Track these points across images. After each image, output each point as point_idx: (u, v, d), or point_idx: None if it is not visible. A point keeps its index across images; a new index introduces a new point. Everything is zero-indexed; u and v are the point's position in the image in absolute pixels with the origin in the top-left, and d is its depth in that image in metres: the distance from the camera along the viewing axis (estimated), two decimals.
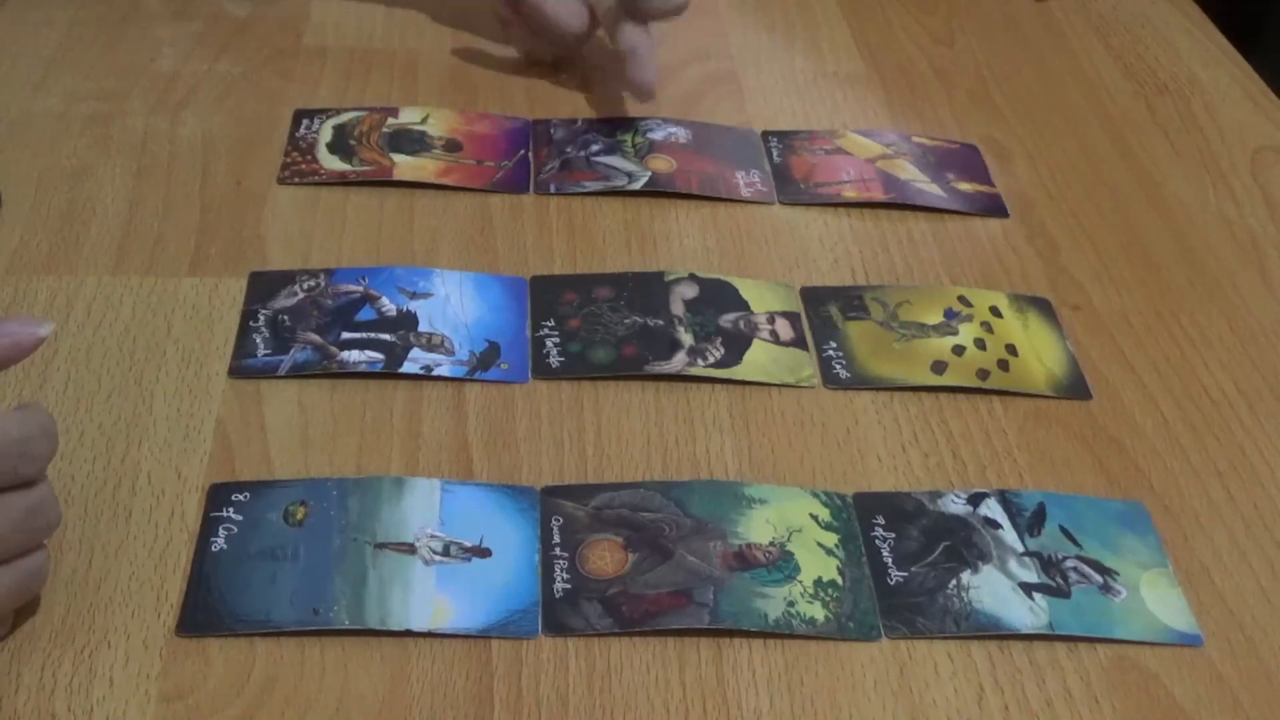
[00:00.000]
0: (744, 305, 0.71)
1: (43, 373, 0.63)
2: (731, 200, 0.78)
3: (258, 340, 0.66)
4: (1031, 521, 0.61)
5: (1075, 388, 0.68)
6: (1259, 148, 0.89)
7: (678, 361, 0.67)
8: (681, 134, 0.83)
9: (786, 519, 0.59)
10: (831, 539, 0.59)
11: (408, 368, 0.65)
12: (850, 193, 0.80)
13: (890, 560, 0.58)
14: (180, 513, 0.57)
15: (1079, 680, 0.55)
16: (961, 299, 0.73)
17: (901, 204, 0.79)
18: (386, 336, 0.66)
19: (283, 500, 0.58)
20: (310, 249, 0.72)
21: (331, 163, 0.78)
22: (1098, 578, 0.59)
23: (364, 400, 0.64)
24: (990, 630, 0.56)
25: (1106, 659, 0.56)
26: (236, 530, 0.56)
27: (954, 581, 0.58)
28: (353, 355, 0.65)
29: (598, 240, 0.75)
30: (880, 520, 0.60)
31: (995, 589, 0.57)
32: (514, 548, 0.57)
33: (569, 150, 0.80)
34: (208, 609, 0.53)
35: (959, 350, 0.69)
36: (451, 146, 0.80)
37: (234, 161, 0.78)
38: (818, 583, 0.57)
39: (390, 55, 0.88)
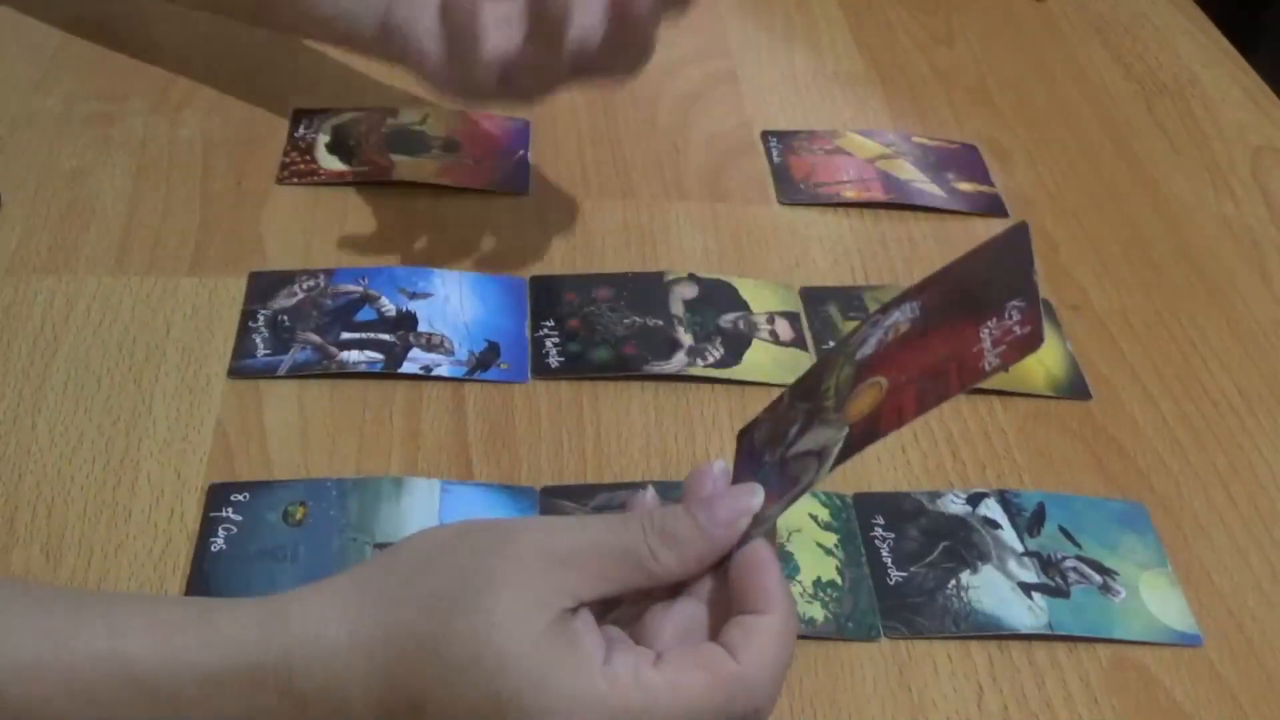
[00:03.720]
0: (744, 305, 0.71)
1: (43, 373, 0.63)
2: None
3: (257, 340, 0.66)
4: (1031, 521, 0.61)
5: (1075, 388, 0.68)
6: (1259, 148, 0.89)
7: (677, 362, 0.67)
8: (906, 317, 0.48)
9: (785, 519, 0.59)
10: (831, 539, 0.59)
11: (407, 368, 0.65)
12: (850, 193, 0.80)
13: (889, 560, 0.58)
14: (180, 513, 0.57)
15: (1078, 680, 0.55)
16: None
17: (901, 204, 0.79)
18: (386, 337, 0.66)
19: (282, 500, 0.58)
20: (310, 249, 0.72)
21: (331, 163, 0.78)
22: (1097, 578, 0.59)
23: (364, 400, 0.64)
24: (989, 630, 0.56)
25: (1106, 659, 0.56)
26: (236, 530, 0.56)
27: (953, 581, 0.58)
28: (352, 355, 0.65)
29: (597, 240, 0.75)
30: (880, 520, 0.60)
31: (994, 589, 0.57)
32: None
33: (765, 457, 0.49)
34: None
35: None
36: (450, 146, 0.80)
37: (234, 161, 0.78)
38: (817, 583, 0.57)
39: None
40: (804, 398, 0.48)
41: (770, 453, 0.47)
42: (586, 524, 0.43)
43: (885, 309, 0.47)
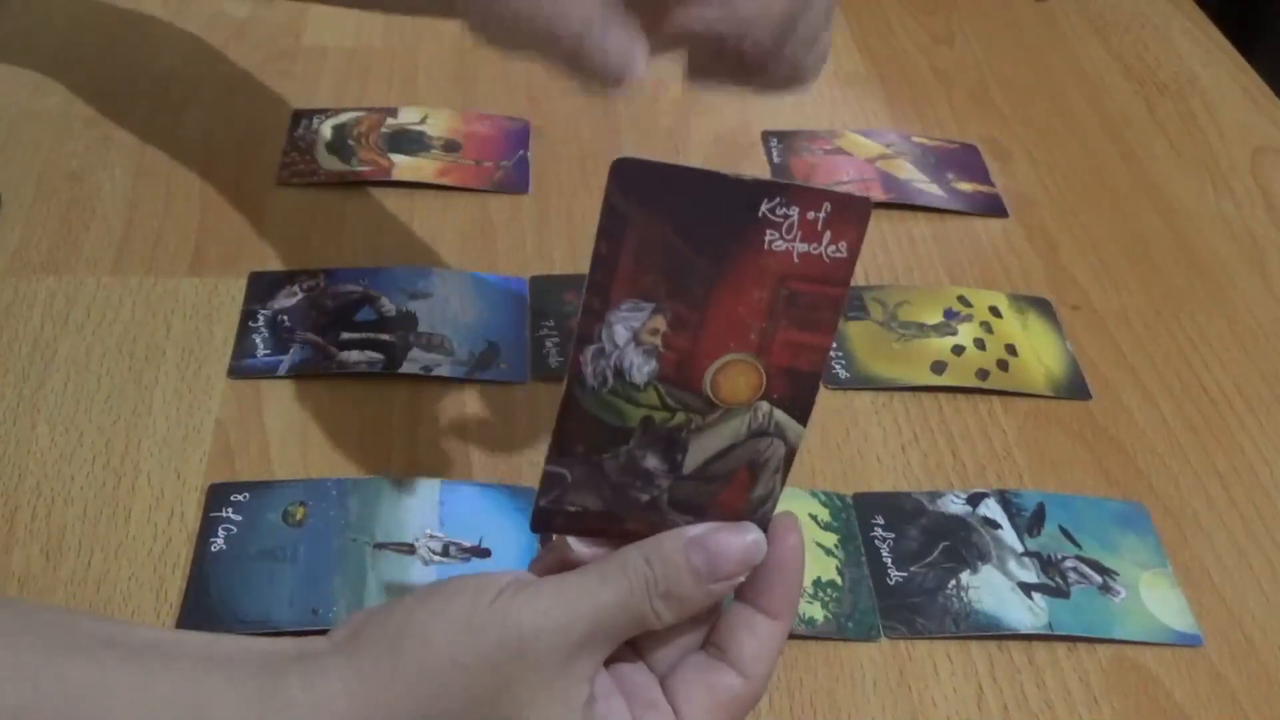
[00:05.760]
0: None
1: (42, 373, 0.63)
2: None
3: (257, 340, 0.66)
4: (1031, 521, 0.61)
5: (1075, 388, 0.68)
6: (1259, 148, 0.89)
7: None
8: None
9: None
10: (831, 539, 0.59)
11: (407, 368, 0.65)
12: None
13: (890, 560, 0.58)
14: (180, 513, 0.57)
15: (1078, 680, 0.55)
16: (961, 299, 0.73)
17: (901, 204, 0.79)
18: (386, 337, 0.66)
19: (282, 500, 0.58)
20: (310, 249, 0.72)
21: (330, 163, 0.78)
22: (1097, 578, 0.59)
23: (363, 400, 0.64)
24: (989, 630, 0.56)
25: (1106, 659, 0.56)
26: (236, 530, 0.56)
27: (953, 581, 0.58)
28: (352, 355, 0.65)
29: None
30: (880, 520, 0.60)
31: (994, 589, 0.57)
32: (513, 548, 0.57)
33: None
34: (207, 609, 0.53)
35: (958, 350, 0.69)
36: (450, 147, 0.80)
37: (234, 161, 0.78)
38: (817, 583, 0.57)
39: (389, 55, 0.88)
40: (614, 442, 0.41)
41: (649, 487, 0.42)
42: (592, 597, 0.40)
43: (583, 339, 0.40)
